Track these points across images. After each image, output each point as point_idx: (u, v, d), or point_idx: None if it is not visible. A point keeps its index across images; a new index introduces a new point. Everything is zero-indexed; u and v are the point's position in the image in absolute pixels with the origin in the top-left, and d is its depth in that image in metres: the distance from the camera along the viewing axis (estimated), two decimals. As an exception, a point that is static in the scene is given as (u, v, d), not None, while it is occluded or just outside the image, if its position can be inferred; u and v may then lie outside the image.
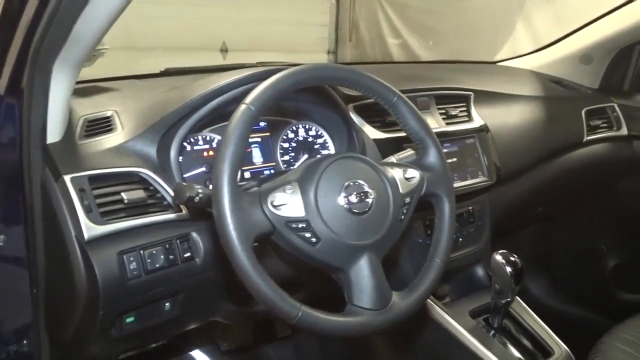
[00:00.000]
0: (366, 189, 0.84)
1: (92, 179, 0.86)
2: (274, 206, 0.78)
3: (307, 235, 0.79)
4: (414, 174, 0.91)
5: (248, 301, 1.04)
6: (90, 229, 0.82)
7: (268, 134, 1.14)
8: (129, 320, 0.90)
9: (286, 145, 1.15)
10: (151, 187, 0.91)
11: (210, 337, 1.46)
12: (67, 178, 0.84)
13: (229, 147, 0.75)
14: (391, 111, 0.93)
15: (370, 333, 0.81)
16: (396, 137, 1.18)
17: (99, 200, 0.85)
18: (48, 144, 0.88)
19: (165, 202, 0.91)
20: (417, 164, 0.94)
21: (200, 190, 0.80)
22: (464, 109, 1.38)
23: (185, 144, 1.02)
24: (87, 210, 0.83)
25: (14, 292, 1.01)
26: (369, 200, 0.83)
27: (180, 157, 0.99)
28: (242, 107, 0.77)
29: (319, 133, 1.19)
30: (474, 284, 1.34)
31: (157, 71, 1.35)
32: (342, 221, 0.81)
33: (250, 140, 1.11)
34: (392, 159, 0.98)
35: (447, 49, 4.12)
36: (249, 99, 0.78)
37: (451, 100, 1.36)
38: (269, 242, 0.81)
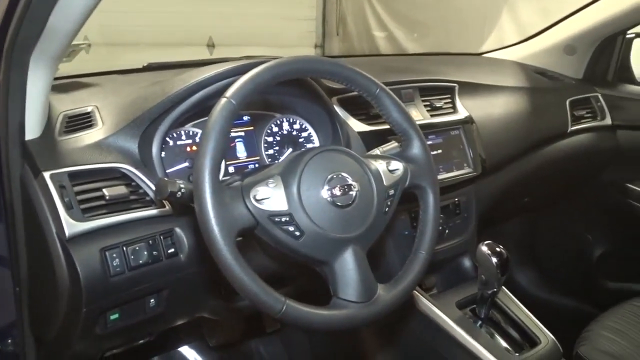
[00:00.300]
0: (350, 181, 0.83)
1: (73, 175, 0.85)
2: (257, 200, 0.78)
3: (291, 228, 0.79)
4: (397, 166, 0.91)
5: (234, 296, 1.04)
6: (71, 225, 0.81)
7: (252, 128, 1.13)
8: (113, 317, 0.89)
9: (270, 139, 1.15)
10: (133, 183, 0.90)
11: (198, 333, 1.46)
12: (46, 174, 0.83)
13: (209, 142, 0.74)
14: (374, 103, 0.92)
15: (356, 326, 0.81)
16: (380, 130, 1.18)
17: (80, 197, 0.84)
18: (27, 141, 0.86)
19: (147, 198, 0.91)
20: (400, 156, 0.94)
21: (182, 186, 0.79)
22: (449, 100, 1.38)
23: (167, 139, 1.01)
24: (68, 207, 0.82)
25: (-4, 291, 1.00)
26: (353, 193, 0.83)
27: (163, 153, 0.98)
28: (223, 101, 0.76)
29: (303, 126, 1.18)
30: (461, 276, 1.34)
31: (140, 66, 1.34)
32: (325, 214, 0.81)
33: (234, 134, 1.10)
34: (376, 151, 0.98)
35: (434, 41, 4.12)
36: (230, 92, 0.77)
37: (436, 92, 1.36)
38: (253, 236, 0.80)
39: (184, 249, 0.91)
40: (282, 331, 1.53)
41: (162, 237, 0.89)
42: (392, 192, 0.89)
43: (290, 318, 0.75)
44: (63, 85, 1.09)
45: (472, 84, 1.48)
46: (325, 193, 0.81)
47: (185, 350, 1.47)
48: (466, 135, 1.34)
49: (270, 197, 0.78)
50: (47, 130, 0.90)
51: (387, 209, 0.88)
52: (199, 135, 1.04)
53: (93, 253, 0.82)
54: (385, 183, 0.88)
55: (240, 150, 1.11)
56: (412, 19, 4.44)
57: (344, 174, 0.84)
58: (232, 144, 1.10)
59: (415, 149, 0.94)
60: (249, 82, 0.78)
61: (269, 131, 1.15)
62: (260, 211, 0.77)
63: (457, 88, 1.40)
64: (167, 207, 0.91)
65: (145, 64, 1.34)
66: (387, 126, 1.19)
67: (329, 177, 0.82)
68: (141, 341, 1.05)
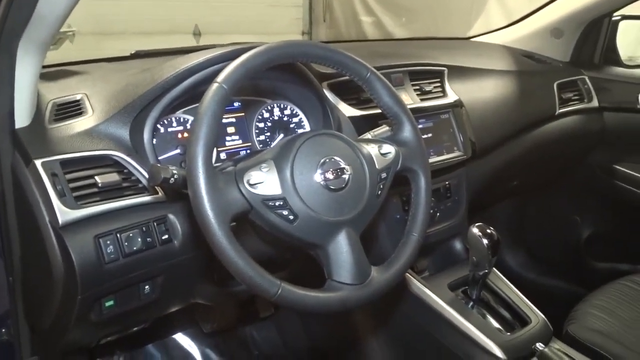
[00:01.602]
0: (342, 165, 0.84)
1: (64, 163, 0.85)
2: (250, 185, 0.78)
3: (285, 212, 0.79)
4: (389, 149, 0.92)
5: (228, 281, 1.05)
6: (64, 213, 0.81)
7: (242, 114, 1.13)
8: (108, 304, 0.89)
9: (261, 125, 1.14)
10: (125, 170, 0.90)
11: (193, 320, 1.47)
12: (38, 162, 0.82)
13: (202, 128, 0.74)
14: (365, 87, 0.93)
15: (351, 308, 0.82)
16: (371, 114, 1.18)
17: (72, 185, 0.84)
18: (17, 129, 0.86)
19: (140, 185, 0.90)
20: (392, 139, 0.95)
21: (175, 172, 0.79)
22: (438, 84, 1.39)
23: (158, 125, 1.01)
24: (61, 195, 0.82)
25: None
26: (346, 177, 0.84)
27: (154, 140, 0.98)
28: (214, 86, 0.76)
29: (294, 112, 1.18)
30: (452, 258, 1.36)
31: (127, 54, 1.33)
32: (319, 198, 0.81)
33: (225, 120, 1.10)
34: (368, 135, 0.99)
35: (421, 27, 4.12)
36: (221, 77, 0.77)
37: (425, 76, 1.36)
38: (247, 221, 0.81)
39: (178, 235, 0.91)
40: (275, 316, 1.55)
41: (155, 224, 0.89)
42: (384, 175, 0.90)
43: (285, 301, 0.76)
44: (51, 74, 1.08)
45: (461, 68, 1.49)
46: (318, 177, 0.82)
47: (179, 337, 1.48)
48: (456, 119, 1.34)
49: (264, 182, 0.79)
50: (36, 119, 0.89)
51: (379, 192, 0.89)
52: (190, 121, 1.04)
53: (87, 240, 0.82)
54: (377, 166, 0.89)
55: (232, 137, 1.11)
56: (399, 4, 4.43)
57: (337, 158, 0.84)
58: (223, 131, 1.09)
59: (407, 132, 0.95)
60: (240, 66, 0.78)
61: (260, 117, 1.15)
62: (254, 195, 0.78)
63: (446, 72, 1.40)
64: (160, 193, 0.91)
65: (132, 52, 1.33)
66: (377, 110, 1.19)
67: (322, 161, 0.83)
68: (136, 328, 1.05)
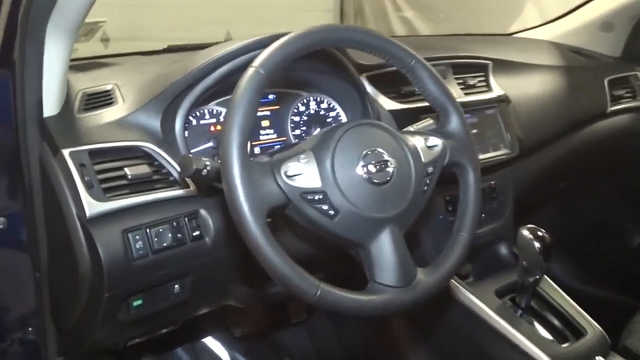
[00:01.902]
0: (386, 157, 0.78)
1: (93, 153, 0.81)
2: (288, 176, 0.72)
3: (324, 207, 0.73)
4: (436, 142, 0.85)
5: (262, 283, 0.99)
6: (92, 205, 0.77)
7: (277, 107, 1.08)
8: (136, 303, 0.85)
9: (297, 118, 1.09)
10: (156, 162, 0.86)
11: (223, 323, 1.41)
12: (65, 152, 0.78)
13: (237, 114, 0.69)
14: (409, 76, 0.87)
15: (395, 312, 0.76)
16: (413, 108, 1.12)
17: (100, 176, 0.80)
18: (45, 118, 0.82)
19: (171, 178, 0.86)
20: (438, 132, 0.88)
21: (208, 163, 0.75)
22: (483, 78, 1.31)
23: (190, 118, 0.97)
24: (89, 186, 0.78)
25: (16, 276, 0.96)
26: (390, 170, 0.77)
27: (186, 132, 0.94)
28: (251, 70, 0.71)
29: (331, 105, 1.12)
30: (498, 263, 1.27)
31: (160, 48, 1.29)
32: (361, 192, 0.75)
33: (260, 113, 1.05)
34: (410, 129, 0.92)
35: (453, 28, 4.02)
36: (258, 61, 0.72)
37: (469, 70, 1.29)
38: (284, 216, 0.75)
39: (210, 231, 0.86)
40: (308, 322, 1.48)
41: (186, 219, 0.84)
42: (430, 169, 0.83)
43: (325, 303, 0.70)
44: (82, 65, 1.04)
45: (506, 62, 1.41)
46: (360, 170, 0.76)
47: (209, 340, 1.43)
48: (502, 115, 1.27)
49: (303, 174, 0.73)
50: (65, 108, 0.86)
51: (425, 188, 0.82)
52: (223, 114, 0.99)
53: (115, 235, 0.78)
54: (423, 160, 0.83)
55: (266, 130, 1.05)
56: (434, 7, 4.34)
57: (380, 150, 0.78)
58: (258, 124, 1.04)
59: (454, 123, 0.88)
60: (278, 50, 0.73)
61: (295, 110, 1.09)
62: (292, 188, 0.72)
63: (490, 65, 1.33)
64: (191, 187, 0.86)
65: (165, 46, 1.30)
66: (419, 104, 1.14)
67: (364, 152, 0.77)
68: (164, 330, 1.00)
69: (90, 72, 1.02)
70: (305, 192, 0.73)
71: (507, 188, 1.29)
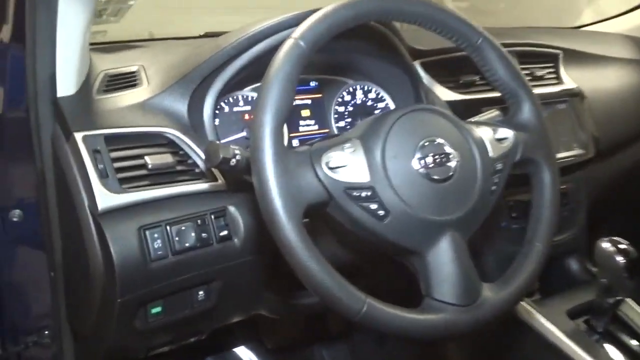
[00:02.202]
0: (447, 149, 0.65)
1: (110, 138, 0.71)
2: (330, 168, 0.61)
3: (373, 206, 0.61)
4: (506, 133, 0.72)
5: (297, 291, 0.88)
6: (105, 197, 0.67)
7: (320, 95, 0.97)
8: (154, 310, 0.74)
9: (341, 109, 0.97)
10: (181, 152, 0.76)
11: (255, 333, 1.31)
12: (78, 136, 0.69)
13: (272, 91, 0.58)
14: (474, 56, 0.74)
15: (456, 334, 0.63)
16: (474, 100, 0.99)
17: (117, 165, 0.70)
18: (59, 98, 0.73)
19: (197, 170, 0.76)
20: (508, 123, 0.75)
21: (237, 152, 0.64)
22: (552, 70, 1.16)
23: (222, 104, 0.87)
24: (102, 175, 0.68)
25: (32, 274, 0.88)
26: (452, 165, 0.65)
27: (217, 120, 0.84)
28: (289, 42, 0.61)
29: (379, 95, 1.00)
30: (568, 279, 1.12)
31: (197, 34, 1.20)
32: (417, 190, 0.63)
33: (299, 102, 0.94)
34: (475, 120, 0.79)
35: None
36: (298, 32, 0.61)
37: (537, 60, 1.15)
38: (323, 216, 0.64)
39: (239, 232, 0.75)
40: (349, 335, 1.35)
41: (213, 217, 0.74)
42: (499, 166, 0.70)
43: (371, 321, 0.58)
44: (109, 47, 0.96)
45: (578, 52, 1.25)
46: (416, 163, 0.64)
47: (240, 351, 1.32)
48: (575, 110, 1.11)
49: (347, 165, 0.61)
50: (83, 88, 0.77)
51: (494, 188, 0.69)
52: (259, 100, 0.89)
53: (130, 232, 0.68)
54: (491, 154, 0.70)
55: (306, 121, 0.94)
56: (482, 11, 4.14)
57: (440, 140, 0.66)
58: (297, 113, 0.93)
59: (527, 113, 0.75)
60: (321, 21, 0.62)
61: (339, 100, 0.98)
62: (335, 182, 0.60)
63: (561, 55, 1.18)
64: (219, 180, 0.76)
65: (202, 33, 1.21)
66: (481, 95, 1.01)
67: (421, 143, 0.65)
68: (191, 339, 0.90)
69: (117, 53, 0.93)
70: (350, 188, 0.61)
71: (580, 194, 1.13)
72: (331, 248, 0.72)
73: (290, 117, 0.91)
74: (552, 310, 0.97)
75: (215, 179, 0.76)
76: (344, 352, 1.34)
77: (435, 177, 0.64)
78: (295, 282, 0.59)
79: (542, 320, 0.95)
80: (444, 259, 0.63)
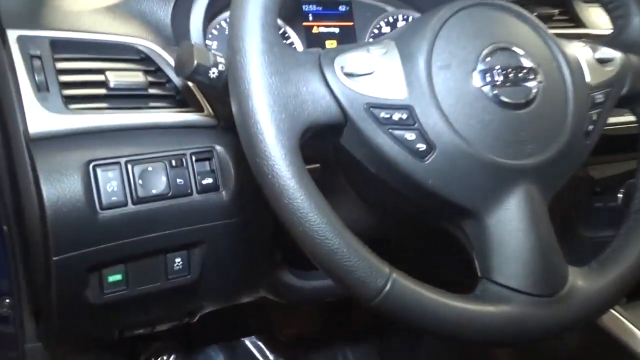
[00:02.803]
0: (526, 62, 0.45)
1: (59, 44, 0.54)
2: (347, 74, 0.40)
3: (409, 136, 0.41)
4: (611, 54, 0.51)
5: (304, 265, 0.68)
6: (39, 118, 0.50)
7: (351, 23, 0.76)
8: (112, 279, 0.56)
9: (377, 42, 0.77)
10: (158, 71, 0.57)
11: (268, 321, 1.12)
12: (12, 35, 0.51)
13: None
14: None
15: (525, 340, 0.42)
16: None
17: (64, 78, 0.52)
18: None
19: (178, 97, 0.57)
20: (613, 41, 0.53)
21: (221, 60, 0.45)
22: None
23: (222, 22, 0.67)
24: (40, 88, 0.50)
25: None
26: (531, 85, 0.44)
27: (211, 33, 0.65)
28: None
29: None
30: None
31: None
32: (477, 117, 0.43)
33: (324, 29, 0.74)
34: None
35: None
36: None
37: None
38: (335, 149, 0.44)
39: (229, 181, 0.57)
40: (377, 330, 1.14)
41: (194, 158, 0.55)
42: (600, 97, 0.49)
43: (397, 308, 0.39)
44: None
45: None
46: (478, 78, 0.43)
47: (250, 341, 1.14)
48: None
49: (374, 73, 0.41)
50: None
51: (590, 127, 0.48)
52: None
53: (72, 166, 0.50)
54: (589, 80, 0.48)
55: (333, 55, 0.74)
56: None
57: (516, 49, 0.44)
58: (321, 43, 0.74)
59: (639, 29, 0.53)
60: None
61: (375, 31, 0.77)
62: (353, 94, 0.41)
63: None
64: (206, 111, 0.57)
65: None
66: (561, 30, 0.79)
67: (487, 50, 0.44)
68: (169, 325, 0.71)
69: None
70: (375, 105, 0.41)
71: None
72: (343, 208, 0.52)
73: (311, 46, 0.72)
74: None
75: (201, 109, 0.57)
76: (370, 350, 1.13)
77: (507, 100, 0.43)
78: (304, 256, 0.40)
79: (633, 328, 0.72)
80: (513, 225, 0.43)
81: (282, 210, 0.38)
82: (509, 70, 0.43)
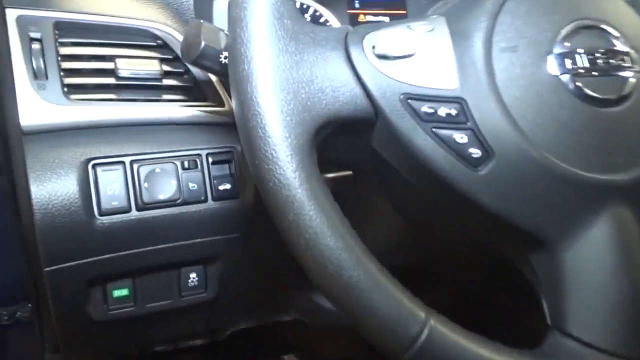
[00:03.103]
0: (619, 46, 0.34)
1: (65, 27, 0.48)
2: (379, 56, 0.32)
3: (460, 138, 0.32)
4: None
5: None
6: (35, 109, 0.44)
7: (404, 12, 0.67)
8: (118, 294, 0.50)
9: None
10: (175, 60, 0.51)
11: (307, 339, 1.04)
12: (11, 15, 0.46)
13: None
14: None
15: None
16: None
17: (67, 65, 0.46)
18: None
19: (196, 89, 0.50)
20: None
21: None
22: None
23: None
24: (37, 75, 0.45)
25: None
26: (627, 75, 0.34)
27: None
28: None
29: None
30: None
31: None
32: (552, 115, 0.33)
33: (373, 18, 0.66)
34: None
35: None
36: None
37: None
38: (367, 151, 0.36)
39: (251, 187, 0.49)
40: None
41: (210, 160, 0.48)
42: None
43: None
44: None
45: None
46: (553, 65, 0.33)
47: None
48: None
49: (415, 55, 0.32)
50: None
51: None
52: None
53: (69, 165, 0.44)
54: None
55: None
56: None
57: (607, 28, 0.34)
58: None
59: None
60: None
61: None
62: (387, 81, 0.32)
63: None
64: (227, 106, 0.50)
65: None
66: None
67: (567, 28, 0.34)
68: (192, 342, 0.65)
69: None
70: (415, 97, 0.32)
71: None
72: (373, 224, 0.43)
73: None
74: None
75: (222, 103, 0.50)
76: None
77: (592, 94, 0.33)
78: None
79: None
80: (597, 260, 0.33)
81: (286, 228, 0.29)
82: (597, 54, 0.33)
